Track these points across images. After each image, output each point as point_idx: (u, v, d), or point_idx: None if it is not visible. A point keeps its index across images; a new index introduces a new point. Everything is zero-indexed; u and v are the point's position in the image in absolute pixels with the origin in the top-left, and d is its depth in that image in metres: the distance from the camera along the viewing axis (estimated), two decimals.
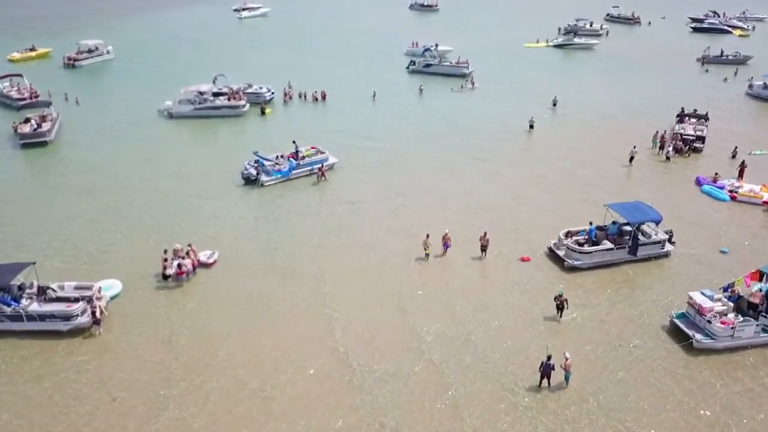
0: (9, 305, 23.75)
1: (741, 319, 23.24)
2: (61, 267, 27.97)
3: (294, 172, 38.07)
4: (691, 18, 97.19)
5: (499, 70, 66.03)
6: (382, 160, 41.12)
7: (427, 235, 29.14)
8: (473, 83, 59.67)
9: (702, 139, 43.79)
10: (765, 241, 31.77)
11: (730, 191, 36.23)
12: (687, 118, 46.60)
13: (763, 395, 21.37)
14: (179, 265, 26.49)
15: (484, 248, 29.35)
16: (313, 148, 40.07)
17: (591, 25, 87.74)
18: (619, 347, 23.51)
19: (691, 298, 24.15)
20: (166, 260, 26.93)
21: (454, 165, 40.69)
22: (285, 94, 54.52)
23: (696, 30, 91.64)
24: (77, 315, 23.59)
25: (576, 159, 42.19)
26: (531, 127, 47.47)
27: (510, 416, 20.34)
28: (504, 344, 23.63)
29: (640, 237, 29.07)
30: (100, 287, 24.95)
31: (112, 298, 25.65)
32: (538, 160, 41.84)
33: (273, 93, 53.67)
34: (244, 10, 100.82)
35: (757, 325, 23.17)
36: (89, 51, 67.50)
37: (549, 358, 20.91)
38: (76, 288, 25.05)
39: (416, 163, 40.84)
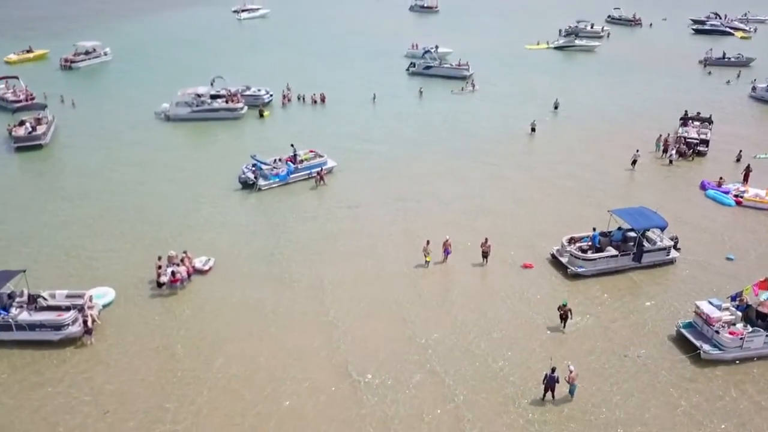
0: None
1: (750, 329, 22.63)
2: (52, 274, 27.33)
3: (292, 176, 37.48)
4: (692, 20, 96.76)
5: (500, 72, 65.47)
6: (381, 164, 40.54)
7: (428, 242, 28.54)
8: (473, 86, 59.12)
9: (706, 142, 43.23)
10: None
11: (736, 196, 35.64)
12: (690, 121, 46.01)
13: None
14: (173, 273, 25.89)
15: (485, 255, 28.76)
16: (311, 151, 39.50)
17: (592, 27, 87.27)
18: (624, 358, 22.90)
19: (698, 307, 23.55)
20: (160, 267, 26.34)
21: (455, 168, 40.11)
22: (284, 97, 53.96)
23: (698, 32, 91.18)
24: (68, 324, 23.00)
25: (578, 162, 41.62)
26: (533, 130, 46.90)
27: (513, 430, 19.73)
28: (506, 354, 23.02)
29: (645, 243, 28.48)
30: (91, 296, 24.32)
31: (104, 306, 25.05)
32: (540, 164, 41.24)
33: (271, 95, 53.10)
34: (243, 11, 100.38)
35: (767, 335, 22.53)
36: (86, 53, 67.01)
37: (553, 370, 20.31)
38: (68, 296, 24.46)
39: (416, 166, 40.26)
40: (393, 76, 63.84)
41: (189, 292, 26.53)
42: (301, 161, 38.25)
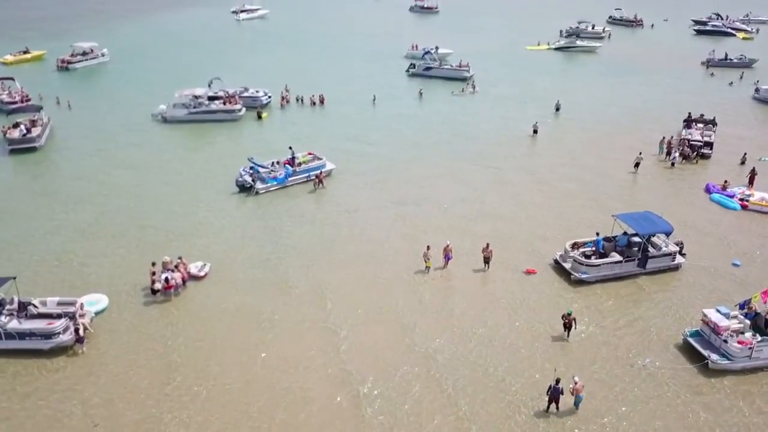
0: None
1: (759, 338, 22.03)
2: (44, 281, 26.75)
3: (290, 179, 36.90)
4: (694, 20, 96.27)
5: (500, 74, 64.90)
6: (381, 167, 39.95)
7: (428, 247, 27.95)
8: (474, 87, 58.54)
9: (710, 145, 42.65)
10: None
11: (741, 200, 35.06)
12: (694, 123, 45.44)
13: None
14: (167, 279, 25.27)
15: (487, 260, 28.16)
16: (310, 154, 38.91)
17: (593, 28, 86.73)
18: (630, 368, 22.29)
19: (705, 315, 22.95)
20: (154, 273, 25.73)
21: (456, 171, 39.52)
22: (282, 98, 53.36)
23: (699, 33, 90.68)
24: (59, 333, 22.39)
25: (580, 165, 41.05)
26: (535, 132, 46.32)
27: None
28: (508, 364, 22.42)
29: (650, 249, 27.88)
30: (82, 304, 23.69)
31: (97, 313, 24.44)
32: (541, 167, 40.65)
33: (270, 97, 52.51)
34: (242, 12, 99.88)
35: None
36: (83, 54, 66.42)
37: (557, 381, 19.71)
38: (59, 304, 23.83)
39: (416, 169, 39.68)
40: (393, 77, 63.28)
41: (184, 299, 25.92)
42: (300, 164, 37.65)
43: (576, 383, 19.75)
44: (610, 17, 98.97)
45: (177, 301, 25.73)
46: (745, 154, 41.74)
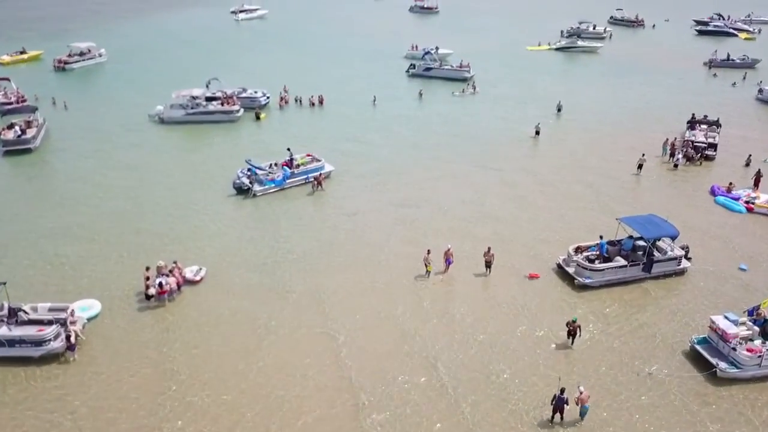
0: None
1: None
2: (35, 286, 26.15)
3: (288, 181, 36.32)
4: (695, 21, 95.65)
5: (501, 74, 64.31)
6: (381, 168, 39.37)
7: (428, 251, 27.36)
8: (474, 87, 57.95)
9: (714, 146, 42.06)
10: None
11: (747, 202, 34.48)
12: (698, 124, 44.86)
13: None
14: (161, 284, 24.67)
15: (488, 264, 27.57)
16: (308, 155, 38.32)
17: (594, 28, 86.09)
18: (636, 376, 21.70)
19: (713, 322, 22.37)
20: (148, 278, 25.15)
21: (456, 173, 38.94)
22: (281, 99, 52.79)
23: (701, 33, 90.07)
24: (50, 339, 21.81)
25: (583, 166, 40.48)
26: (537, 133, 45.74)
27: None
28: (511, 371, 21.85)
29: (655, 253, 27.30)
30: (73, 310, 23.06)
31: (89, 319, 23.86)
32: (543, 168, 40.07)
33: (268, 97, 51.89)
34: (241, 12, 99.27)
35: None
36: (81, 54, 65.85)
37: (562, 391, 19.12)
38: (51, 310, 23.23)
39: (416, 171, 39.09)
40: (393, 78, 62.70)
41: (179, 304, 25.34)
42: (298, 166, 37.07)
43: (581, 393, 19.17)
44: (611, 17, 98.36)
45: (171, 306, 25.16)
46: (750, 155, 41.16)
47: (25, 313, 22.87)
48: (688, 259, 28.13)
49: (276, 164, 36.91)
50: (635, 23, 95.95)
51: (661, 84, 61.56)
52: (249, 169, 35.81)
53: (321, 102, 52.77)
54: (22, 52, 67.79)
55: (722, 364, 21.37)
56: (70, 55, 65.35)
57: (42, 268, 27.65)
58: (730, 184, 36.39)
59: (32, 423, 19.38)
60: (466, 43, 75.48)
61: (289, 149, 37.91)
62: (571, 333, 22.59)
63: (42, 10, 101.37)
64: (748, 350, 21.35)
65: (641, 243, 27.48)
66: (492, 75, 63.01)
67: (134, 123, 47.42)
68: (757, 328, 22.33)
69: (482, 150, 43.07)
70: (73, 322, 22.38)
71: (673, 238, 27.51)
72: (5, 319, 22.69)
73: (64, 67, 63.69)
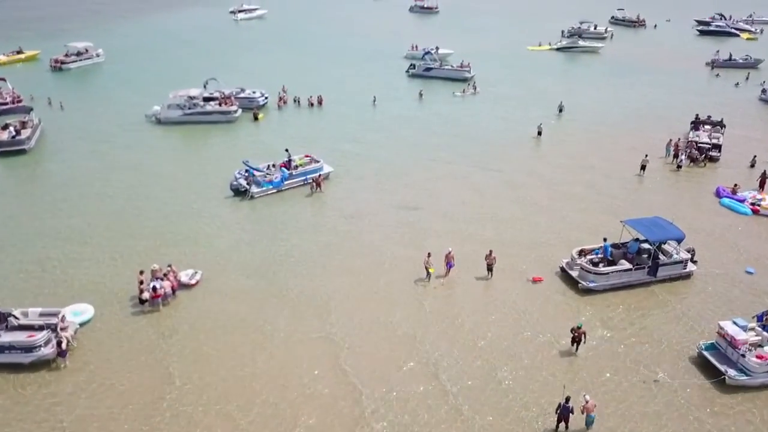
0: None
1: None
2: (26, 290, 25.57)
3: (286, 182, 35.75)
4: (697, 21, 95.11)
5: (502, 74, 63.73)
6: (380, 169, 38.80)
7: (429, 254, 26.80)
8: (475, 88, 57.38)
9: (718, 147, 41.50)
10: None
11: (752, 204, 33.90)
12: (702, 125, 44.30)
13: None
14: (154, 288, 24.09)
15: (490, 268, 27.00)
16: (307, 156, 37.77)
17: (595, 28, 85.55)
18: (643, 384, 21.13)
19: (722, 328, 21.79)
20: (142, 282, 24.56)
21: (457, 174, 38.38)
22: (280, 99, 52.22)
23: (702, 33, 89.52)
24: (40, 345, 21.25)
25: (585, 167, 39.92)
26: (539, 133, 45.20)
27: None
28: (513, 378, 21.28)
29: (661, 256, 26.73)
30: (63, 315, 22.44)
31: (81, 324, 23.28)
32: (546, 169, 39.51)
33: (267, 98, 51.32)
34: (240, 12, 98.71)
35: None
36: (78, 54, 65.26)
37: (567, 400, 18.56)
38: (42, 315, 22.68)
39: (417, 172, 38.53)
40: (393, 78, 62.14)
41: (173, 309, 24.77)
42: (296, 167, 36.52)
43: (587, 402, 18.61)
44: (613, 17, 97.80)
45: (166, 311, 24.58)
46: (755, 156, 40.60)
47: (16, 318, 22.30)
48: (694, 262, 27.57)
49: (274, 165, 36.37)
50: (636, 23, 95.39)
51: (663, 84, 61.00)
52: (246, 171, 35.26)
53: (320, 102, 52.21)
54: (18, 52, 67.24)
55: (731, 371, 20.81)
56: (67, 55, 64.80)
57: (33, 272, 27.06)
58: (735, 185, 35.85)
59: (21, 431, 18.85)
60: (466, 43, 74.93)
61: (287, 150, 37.34)
62: (576, 339, 21.99)
63: (41, 10, 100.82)
64: (757, 357, 20.80)
65: (646, 246, 26.91)
66: (493, 75, 62.45)
67: (131, 123, 46.85)
68: (766, 334, 21.76)
69: (483, 150, 42.52)
70: (63, 329, 21.77)
71: (679, 240, 26.95)
72: None
73: (61, 67, 63.13)
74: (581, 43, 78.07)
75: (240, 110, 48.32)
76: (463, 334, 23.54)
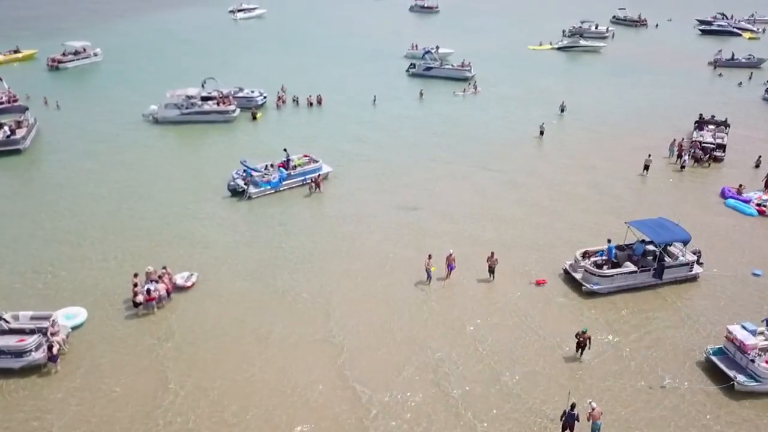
0: None
1: None
2: (17, 293, 24.99)
3: (285, 183, 35.22)
4: (699, 20, 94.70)
5: (502, 74, 63.24)
6: (380, 170, 38.26)
7: (429, 256, 26.24)
8: (475, 87, 56.84)
9: (722, 147, 40.96)
10: None
11: (758, 205, 33.36)
12: (706, 125, 43.75)
13: None
14: (148, 291, 23.54)
15: (492, 270, 26.45)
16: (305, 156, 37.24)
17: (596, 28, 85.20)
18: (649, 389, 20.58)
19: (730, 332, 21.24)
20: (136, 285, 23.99)
21: (458, 174, 37.83)
22: (278, 99, 51.68)
23: (704, 32, 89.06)
24: (31, 350, 20.68)
25: (588, 167, 39.40)
26: (541, 133, 44.66)
27: None
28: (516, 384, 20.71)
29: (666, 258, 26.17)
30: (54, 320, 21.82)
31: (74, 328, 22.72)
32: (548, 169, 38.98)
33: (265, 97, 50.80)
34: (239, 11, 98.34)
35: None
36: (75, 53, 64.77)
37: (572, 407, 18.01)
38: (33, 318, 22.10)
39: (417, 172, 37.98)
40: (393, 78, 61.63)
41: (168, 312, 24.20)
42: (295, 167, 35.99)
43: (593, 409, 18.05)
44: (614, 17, 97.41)
45: (161, 314, 24.02)
46: (760, 156, 40.06)
47: (6, 322, 21.75)
48: (700, 264, 27.01)
49: (272, 165, 35.84)
50: (638, 23, 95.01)
51: (665, 84, 60.50)
52: (244, 171, 34.71)
53: (319, 102, 51.69)
54: (15, 51, 66.70)
55: (740, 377, 20.26)
56: (64, 54, 64.33)
57: (24, 274, 26.47)
58: (740, 185, 35.30)
59: None
60: (467, 43, 74.46)
61: (285, 150, 36.77)
62: (581, 345, 21.42)
63: (39, 9, 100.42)
64: (767, 362, 20.23)
65: (651, 248, 26.37)
66: (493, 75, 61.96)
67: (128, 123, 46.30)
68: None
69: (484, 150, 41.99)
70: (54, 333, 21.19)
71: (685, 242, 26.38)
72: None
73: (58, 66, 62.62)
74: (582, 42, 77.68)
75: (238, 110, 47.79)
76: (464, 338, 22.99)
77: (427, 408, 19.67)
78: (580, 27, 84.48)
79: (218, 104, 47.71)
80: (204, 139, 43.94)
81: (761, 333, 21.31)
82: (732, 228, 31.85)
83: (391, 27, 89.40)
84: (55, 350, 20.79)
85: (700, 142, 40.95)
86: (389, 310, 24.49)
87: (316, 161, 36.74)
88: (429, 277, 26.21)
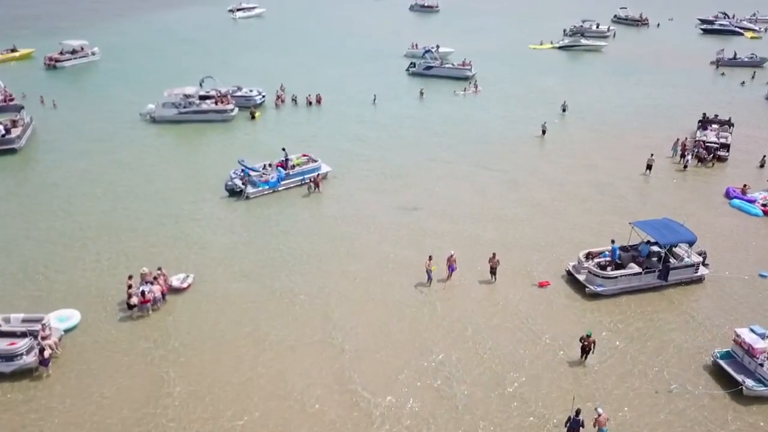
0: None
1: None
2: (9, 295, 24.47)
3: (283, 182, 34.73)
4: (700, 20, 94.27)
5: (503, 73, 62.79)
6: (380, 169, 37.78)
7: (430, 257, 25.76)
8: (476, 87, 56.36)
9: (726, 147, 40.48)
10: None
11: (763, 205, 32.88)
12: (709, 124, 43.27)
13: None
14: (143, 292, 23.05)
15: (493, 271, 25.97)
16: (304, 155, 36.76)
17: (597, 27, 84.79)
18: (655, 393, 20.09)
19: (738, 335, 20.76)
20: (130, 287, 23.49)
21: (459, 174, 37.35)
22: (277, 98, 51.20)
23: (706, 32, 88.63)
24: (22, 354, 20.19)
25: (590, 167, 38.93)
26: (543, 132, 44.18)
27: None
28: (519, 388, 20.22)
29: (671, 259, 25.68)
30: (44, 324, 21.27)
31: (67, 330, 22.21)
32: (550, 169, 38.49)
33: (264, 96, 50.33)
34: (238, 10, 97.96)
35: None
36: (73, 52, 64.29)
37: (577, 413, 17.54)
38: (24, 321, 21.59)
39: (417, 172, 37.50)
40: (393, 77, 61.18)
41: (163, 314, 23.70)
42: (293, 166, 35.50)
43: (599, 415, 17.58)
44: (615, 16, 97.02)
45: (155, 316, 23.53)
46: (765, 156, 39.58)
47: None
48: (706, 265, 26.53)
49: (270, 165, 35.35)
50: (639, 22, 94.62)
51: (667, 83, 60.04)
52: (242, 170, 34.24)
53: (319, 101, 51.21)
54: (12, 50, 66.22)
55: (749, 381, 19.78)
56: (61, 53, 63.88)
57: (16, 275, 25.96)
58: (745, 185, 34.83)
59: None
60: (467, 42, 74.00)
61: (284, 149, 36.30)
62: (585, 349, 20.91)
63: (38, 8, 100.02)
64: None
65: (656, 249, 25.88)
66: (494, 74, 61.50)
67: (125, 122, 45.83)
68: None
69: (484, 150, 41.53)
70: (44, 337, 20.69)
71: (691, 243, 25.89)
72: None
73: (55, 65, 62.17)
74: (584, 41, 77.28)
75: (236, 109, 47.32)
76: (464, 340, 22.51)
77: (426, 413, 19.17)
78: (581, 26, 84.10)
79: (216, 103, 47.25)
80: (202, 138, 43.47)
81: None
82: (737, 228, 31.37)
83: (391, 26, 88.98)
84: (46, 354, 20.30)
85: (704, 142, 40.48)
86: (389, 311, 24.02)
87: (315, 161, 36.28)
88: (429, 278, 25.73)
